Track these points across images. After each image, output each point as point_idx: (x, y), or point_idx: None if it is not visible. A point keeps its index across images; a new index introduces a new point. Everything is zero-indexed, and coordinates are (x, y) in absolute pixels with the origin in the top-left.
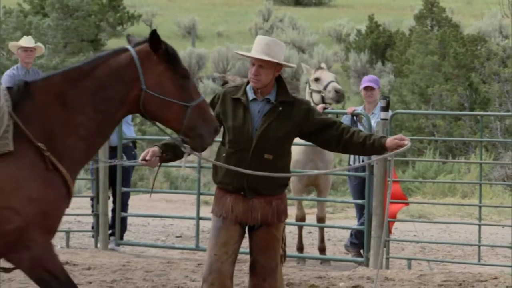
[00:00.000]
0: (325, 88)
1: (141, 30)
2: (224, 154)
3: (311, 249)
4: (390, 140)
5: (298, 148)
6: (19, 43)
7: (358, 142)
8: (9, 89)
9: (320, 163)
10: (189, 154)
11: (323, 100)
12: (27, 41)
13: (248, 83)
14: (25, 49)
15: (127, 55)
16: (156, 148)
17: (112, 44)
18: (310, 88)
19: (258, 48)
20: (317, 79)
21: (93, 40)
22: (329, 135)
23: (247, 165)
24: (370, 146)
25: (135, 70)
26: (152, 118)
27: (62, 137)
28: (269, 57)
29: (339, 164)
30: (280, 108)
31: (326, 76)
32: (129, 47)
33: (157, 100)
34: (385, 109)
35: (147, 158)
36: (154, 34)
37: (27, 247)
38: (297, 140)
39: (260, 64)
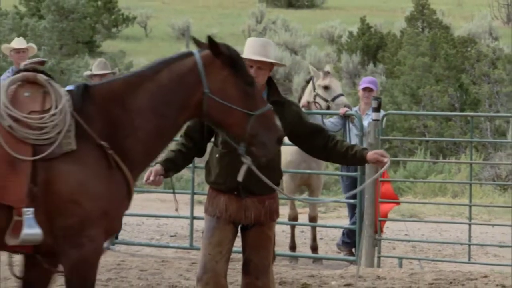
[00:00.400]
0: (333, 99)
1: (135, 32)
2: (217, 155)
3: (303, 248)
4: (371, 154)
5: (291, 149)
6: (11, 45)
7: (341, 151)
8: (69, 91)
9: (313, 163)
10: (248, 166)
11: (327, 109)
12: (18, 43)
13: None
14: (17, 51)
15: (192, 59)
16: (158, 167)
17: (107, 45)
18: (315, 91)
19: (255, 50)
20: (326, 87)
21: (88, 42)
22: (317, 142)
23: (240, 165)
24: (352, 157)
25: (197, 74)
26: (215, 124)
27: (121, 138)
28: (267, 58)
29: (331, 164)
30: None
31: (336, 87)
32: (194, 51)
33: (219, 106)
34: (377, 110)
35: (151, 178)
36: (210, 39)
37: (80, 244)
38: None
39: (259, 65)
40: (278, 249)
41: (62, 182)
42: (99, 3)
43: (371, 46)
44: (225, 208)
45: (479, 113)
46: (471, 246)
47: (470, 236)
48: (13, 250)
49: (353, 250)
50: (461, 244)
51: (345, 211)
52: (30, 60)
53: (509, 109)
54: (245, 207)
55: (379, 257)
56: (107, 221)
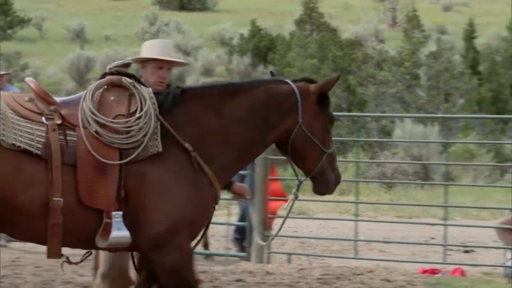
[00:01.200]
0: None
1: (30, 34)
2: None
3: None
4: (237, 186)
5: None
6: None
7: None
8: (158, 94)
9: None
10: (294, 200)
11: None
12: None
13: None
14: None
15: (288, 86)
16: None
17: (3, 47)
18: None
19: (163, 52)
20: None
21: None
22: None
23: None
24: None
25: (295, 102)
26: (291, 153)
27: (209, 145)
28: (175, 59)
29: None
30: None
31: None
32: (288, 80)
33: (305, 138)
34: None
35: None
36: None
37: (169, 252)
38: None
39: (169, 66)
40: None
41: (150, 188)
42: None
43: (261, 48)
44: None
45: (366, 113)
46: (358, 242)
47: (356, 233)
48: (110, 248)
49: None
50: (348, 240)
51: (236, 208)
52: (115, 62)
53: (394, 110)
54: None
55: (268, 253)
56: (192, 228)
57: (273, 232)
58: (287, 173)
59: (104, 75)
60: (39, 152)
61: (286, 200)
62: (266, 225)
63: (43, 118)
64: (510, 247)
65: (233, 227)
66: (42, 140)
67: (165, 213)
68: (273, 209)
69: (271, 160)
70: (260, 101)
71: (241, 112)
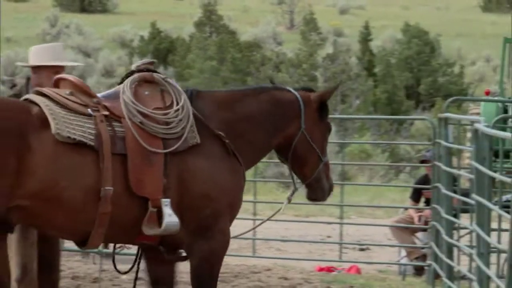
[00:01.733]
0: None
1: None
2: None
3: None
4: None
5: None
6: None
7: None
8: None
9: None
10: (286, 203)
11: None
12: None
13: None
14: None
15: (292, 94)
16: None
17: None
18: None
19: (59, 56)
20: None
21: None
22: None
23: None
24: None
25: (298, 109)
26: (291, 158)
27: (232, 138)
28: (72, 63)
29: None
30: None
31: None
32: (290, 88)
33: (306, 144)
34: None
35: None
36: (326, 91)
37: (212, 237)
38: None
39: (58, 69)
40: (71, 245)
41: (193, 176)
42: None
43: (161, 50)
44: None
45: None
46: (256, 241)
47: (254, 231)
48: (141, 243)
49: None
50: (246, 239)
51: None
52: (141, 61)
53: None
54: None
55: None
56: (232, 212)
57: None
58: None
59: (131, 73)
60: (92, 143)
61: None
62: None
63: (89, 110)
64: (404, 245)
65: None
66: (93, 131)
67: (209, 198)
68: None
69: None
70: (267, 106)
71: (251, 110)
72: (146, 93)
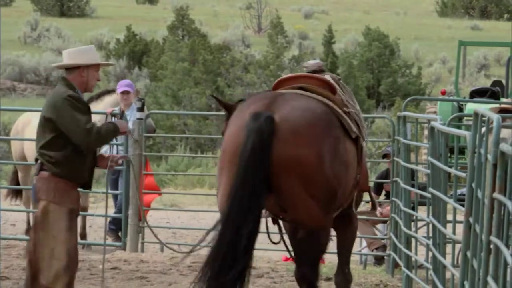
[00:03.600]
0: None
1: None
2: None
3: None
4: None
5: None
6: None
7: None
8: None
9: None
10: None
11: None
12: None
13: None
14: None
15: None
16: None
17: None
18: None
19: (98, 57)
20: None
21: None
22: None
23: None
24: None
25: None
26: None
27: None
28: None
29: None
30: None
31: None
32: None
33: None
34: (141, 109)
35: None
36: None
37: (353, 222)
38: None
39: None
40: None
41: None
42: None
43: (136, 52)
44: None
45: None
46: None
47: None
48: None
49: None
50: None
51: (111, 201)
52: (309, 62)
53: None
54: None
55: (142, 243)
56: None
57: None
58: (160, 168)
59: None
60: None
61: (160, 194)
62: (140, 216)
63: (344, 108)
64: (365, 236)
65: (109, 219)
66: (355, 126)
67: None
68: (147, 202)
69: (145, 156)
70: None
71: None
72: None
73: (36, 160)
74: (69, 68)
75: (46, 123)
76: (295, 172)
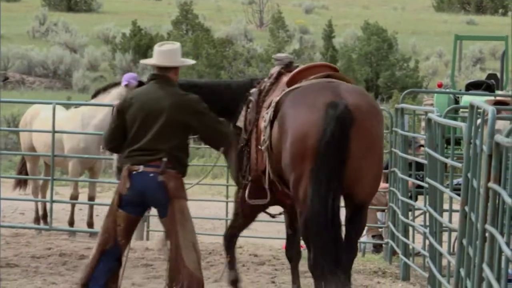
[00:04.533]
0: None
1: None
2: None
3: (81, 224)
4: None
5: (83, 136)
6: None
7: None
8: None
9: (96, 150)
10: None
11: None
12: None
13: None
14: None
15: None
16: None
17: None
18: None
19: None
20: None
21: None
22: None
23: None
24: None
25: None
26: None
27: None
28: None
29: None
30: None
31: None
32: None
33: None
34: None
35: None
36: None
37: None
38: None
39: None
40: (58, 225)
41: None
42: None
43: (142, 46)
44: None
45: None
46: (228, 221)
47: (227, 212)
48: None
49: None
50: (220, 219)
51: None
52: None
53: None
54: None
55: (148, 231)
56: None
57: (152, 212)
58: None
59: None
60: None
61: None
62: None
63: None
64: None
65: None
66: None
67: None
68: None
69: None
70: None
71: None
72: None
73: (159, 158)
74: (166, 67)
75: (177, 125)
76: (370, 151)
